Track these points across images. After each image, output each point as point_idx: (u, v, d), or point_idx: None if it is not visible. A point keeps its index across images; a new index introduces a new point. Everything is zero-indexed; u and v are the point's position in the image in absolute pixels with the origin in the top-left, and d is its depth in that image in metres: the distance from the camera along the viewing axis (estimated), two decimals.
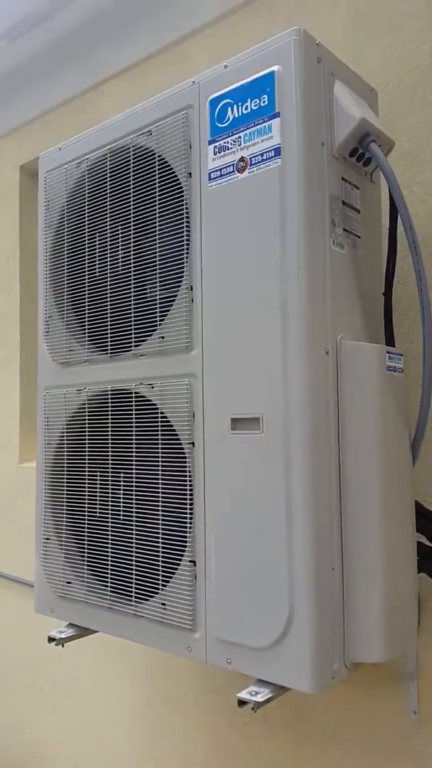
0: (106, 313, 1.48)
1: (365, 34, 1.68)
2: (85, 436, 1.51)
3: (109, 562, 1.44)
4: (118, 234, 1.47)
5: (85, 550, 1.50)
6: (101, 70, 2.38)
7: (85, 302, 1.53)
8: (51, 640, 1.51)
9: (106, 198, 1.49)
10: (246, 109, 1.24)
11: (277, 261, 1.17)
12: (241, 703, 1.16)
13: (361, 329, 1.28)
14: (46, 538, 1.59)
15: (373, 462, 1.17)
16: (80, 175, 1.56)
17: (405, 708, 1.57)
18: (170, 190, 1.37)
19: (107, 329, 1.48)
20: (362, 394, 1.18)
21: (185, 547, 1.30)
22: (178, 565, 1.31)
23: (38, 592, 1.61)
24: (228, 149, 1.27)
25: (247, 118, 1.24)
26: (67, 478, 1.55)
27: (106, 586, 1.44)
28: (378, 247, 1.37)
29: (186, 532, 1.30)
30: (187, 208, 1.34)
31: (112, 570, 1.43)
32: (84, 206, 1.55)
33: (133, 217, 1.43)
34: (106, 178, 1.50)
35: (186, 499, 1.30)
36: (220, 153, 1.28)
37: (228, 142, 1.27)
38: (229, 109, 1.27)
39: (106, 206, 1.49)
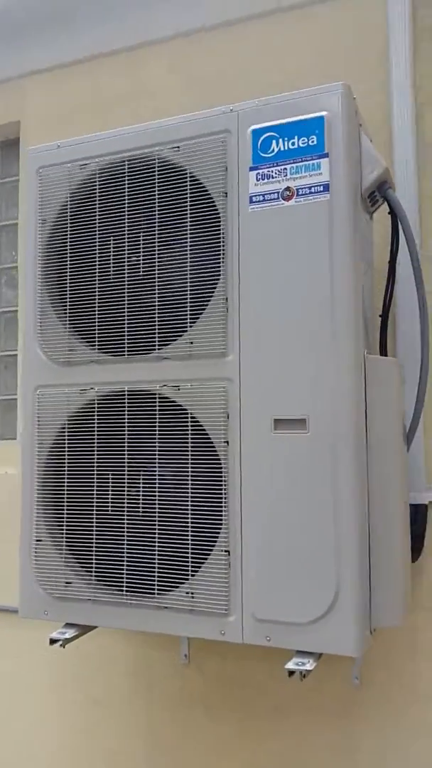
0: (123, 316, 1.52)
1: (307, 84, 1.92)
2: (92, 435, 1.53)
3: (125, 559, 1.47)
4: (138, 240, 1.51)
5: (93, 549, 1.51)
6: (31, 59, 2.32)
7: (94, 302, 1.54)
8: (53, 641, 1.50)
9: (124, 203, 1.53)
10: (293, 144, 1.39)
11: (327, 281, 1.35)
12: (291, 673, 1.30)
13: (369, 344, 1.50)
14: (38, 540, 1.56)
15: (395, 455, 1.40)
16: (86, 176, 1.57)
17: (349, 676, 1.81)
18: (201, 206, 1.47)
19: (124, 331, 1.51)
20: (386, 398, 1.40)
21: (216, 538, 1.41)
22: (208, 556, 1.41)
23: (25, 596, 1.57)
24: (272, 177, 1.41)
25: (294, 153, 1.39)
26: (69, 478, 1.54)
27: (121, 582, 1.47)
28: (372, 274, 1.61)
29: (219, 524, 1.40)
30: (223, 225, 1.44)
31: (128, 566, 1.47)
32: (93, 208, 1.56)
33: (158, 226, 1.50)
34: (124, 184, 1.53)
35: (220, 493, 1.41)
36: (263, 180, 1.42)
37: (273, 171, 1.41)
38: (274, 141, 1.41)
39: (123, 211, 1.53)
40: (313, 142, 1.38)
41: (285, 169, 1.40)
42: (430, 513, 1.71)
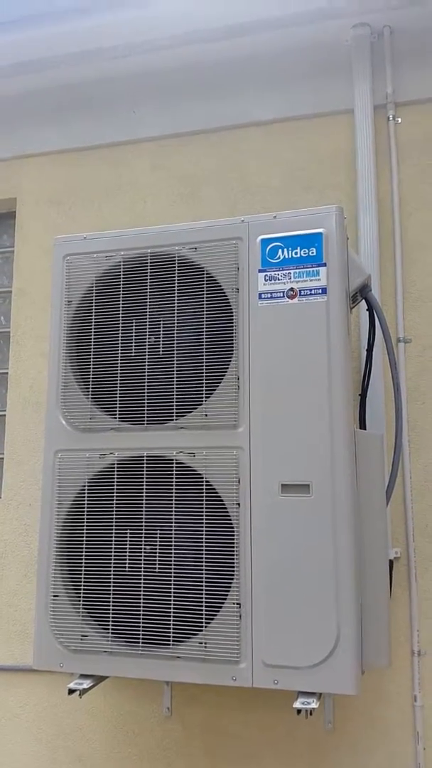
0: (143, 389, 1.71)
1: (298, 194, 2.25)
2: (111, 496, 1.68)
3: (141, 612, 1.62)
4: (159, 323, 1.73)
5: (110, 603, 1.64)
6: (25, 144, 2.54)
7: (116, 376, 1.73)
8: (71, 691, 1.60)
9: (146, 291, 1.75)
10: (296, 254, 1.67)
11: (325, 366, 1.61)
12: (298, 712, 1.48)
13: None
14: (55, 596, 1.68)
15: (379, 516, 1.64)
16: (111, 266, 1.79)
17: (322, 721, 1.99)
18: (216, 298, 1.71)
19: (144, 403, 1.71)
20: (372, 467, 1.65)
21: (228, 592, 1.58)
22: (220, 608, 1.58)
23: (40, 649, 1.67)
24: (278, 279, 1.68)
25: (297, 261, 1.67)
26: (88, 536, 1.68)
27: (138, 634, 1.61)
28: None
29: (231, 579, 1.59)
30: (235, 315, 1.69)
31: (144, 619, 1.61)
32: (117, 293, 1.77)
33: (177, 312, 1.72)
34: (146, 275, 1.76)
35: (232, 550, 1.60)
36: (270, 281, 1.68)
37: (279, 275, 1.68)
38: (280, 250, 1.69)
39: (145, 298, 1.75)
40: (312, 253, 1.66)
41: (289, 273, 1.67)
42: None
